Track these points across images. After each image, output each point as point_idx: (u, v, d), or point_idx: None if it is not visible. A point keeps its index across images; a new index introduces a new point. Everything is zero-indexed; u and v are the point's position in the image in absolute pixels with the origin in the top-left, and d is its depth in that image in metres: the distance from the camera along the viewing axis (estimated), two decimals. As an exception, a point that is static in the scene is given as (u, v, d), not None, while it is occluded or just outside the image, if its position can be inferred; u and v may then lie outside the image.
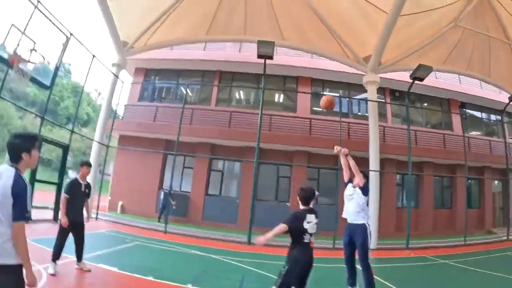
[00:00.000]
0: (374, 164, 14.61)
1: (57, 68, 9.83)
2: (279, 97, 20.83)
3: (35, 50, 8.82)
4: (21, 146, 2.70)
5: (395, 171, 18.29)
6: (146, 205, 18.52)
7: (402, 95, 19.08)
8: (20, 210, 2.56)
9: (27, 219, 2.65)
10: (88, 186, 6.62)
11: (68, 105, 59.63)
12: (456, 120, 21.21)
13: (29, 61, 8.50)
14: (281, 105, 20.58)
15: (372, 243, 13.05)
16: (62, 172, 14.60)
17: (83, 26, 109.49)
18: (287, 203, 17.56)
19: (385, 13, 13.25)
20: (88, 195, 6.63)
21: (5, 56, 8.24)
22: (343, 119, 16.02)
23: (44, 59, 8.89)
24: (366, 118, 16.49)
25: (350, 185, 6.17)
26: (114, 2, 14.90)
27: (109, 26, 15.75)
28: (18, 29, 8.46)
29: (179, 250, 10.29)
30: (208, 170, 19.14)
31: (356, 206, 5.96)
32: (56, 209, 12.96)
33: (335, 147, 6.19)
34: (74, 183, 6.40)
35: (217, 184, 19.17)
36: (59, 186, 13.56)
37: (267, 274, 7.51)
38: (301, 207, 4.83)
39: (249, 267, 8.09)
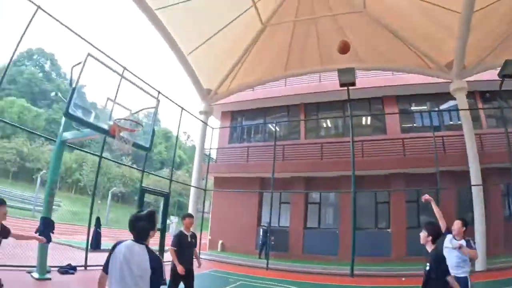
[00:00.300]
0: (475, 177, 13.88)
1: (153, 131, 10.71)
2: (366, 120, 20.64)
3: (132, 118, 9.69)
4: (148, 227, 3.18)
5: (498, 182, 16.25)
6: (246, 242, 19.19)
7: (493, 95, 17.48)
8: (158, 280, 3.02)
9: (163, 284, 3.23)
10: (193, 236, 6.85)
11: (161, 150, 64.16)
12: None
13: (128, 129, 9.26)
14: (370, 128, 20.33)
15: (481, 264, 12.41)
16: (165, 218, 15.79)
17: (169, 79, 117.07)
18: (388, 230, 17.13)
19: (457, 13, 12.71)
20: (194, 245, 6.86)
21: (106, 127, 8.99)
22: (436, 133, 15.49)
23: (142, 125, 9.69)
24: (459, 127, 15.51)
25: (449, 236, 5.74)
26: (192, 55, 16.12)
27: (191, 78, 17.30)
28: (112, 100, 9.46)
29: (283, 288, 10.51)
30: (305, 203, 19.36)
31: (458, 258, 5.57)
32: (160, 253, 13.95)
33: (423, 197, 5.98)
34: (180, 235, 6.72)
35: (315, 216, 19.26)
36: (162, 231, 14.63)
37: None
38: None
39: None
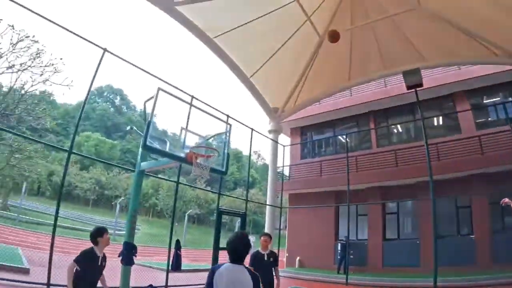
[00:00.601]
0: None
1: (228, 155, 11.20)
2: (438, 121, 19.93)
3: (206, 144, 10.20)
4: (246, 250, 3.66)
5: None
6: (324, 257, 19.27)
7: None
8: None
9: None
10: (271, 255, 6.95)
11: (233, 171, 65.89)
12: None
13: (204, 156, 9.74)
14: (443, 129, 19.45)
15: None
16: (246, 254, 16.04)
17: (236, 100, 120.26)
18: (471, 236, 16.21)
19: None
20: (273, 264, 6.89)
21: (182, 155, 9.54)
22: None
23: (218, 151, 10.13)
24: None
25: None
26: (255, 77, 16.69)
27: (257, 98, 17.88)
28: (185, 129, 10.05)
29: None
30: (383, 214, 19.13)
31: None
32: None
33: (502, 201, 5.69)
34: (256, 255, 6.91)
35: (393, 227, 18.96)
36: None
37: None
38: None
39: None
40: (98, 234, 5.56)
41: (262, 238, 7.07)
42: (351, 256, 17.11)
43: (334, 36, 6.24)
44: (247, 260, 5.11)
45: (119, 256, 9.11)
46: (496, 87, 17.85)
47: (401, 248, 17.83)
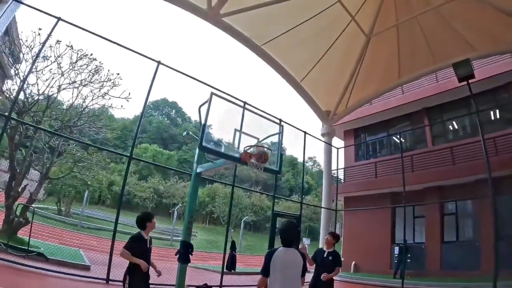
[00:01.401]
0: None
1: (281, 155, 11.38)
2: (495, 114, 18.76)
3: (259, 145, 10.42)
4: (296, 237, 4.93)
5: None
6: (380, 261, 18.94)
7: None
8: (305, 268, 4.45)
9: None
10: (332, 253, 6.98)
11: (289, 178, 66.18)
12: None
13: (257, 155, 9.95)
14: (501, 122, 18.16)
15: None
16: (298, 240, 16.15)
17: (289, 106, 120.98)
18: None
19: None
20: (331, 262, 6.85)
21: (237, 155, 9.80)
22: None
23: (271, 150, 10.30)
24: None
25: None
26: (305, 81, 16.78)
27: (309, 102, 18.08)
28: (239, 131, 10.33)
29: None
30: (441, 215, 18.44)
31: None
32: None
33: None
34: (319, 251, 7.19)
35: (452, 229, 18.15)
36: None
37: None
38: None
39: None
40: (147, 218, 6.19)
41: (327, 236, 7.27)
42: (408, 260, 16.67)
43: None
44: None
45: (176, 255, 9.46)
46: None
47: (460, 250, 17.02)
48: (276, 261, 4.07)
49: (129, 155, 10.48)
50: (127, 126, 65.60)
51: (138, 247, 5.66)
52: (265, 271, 4.08)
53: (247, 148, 9.90)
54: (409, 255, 16.85)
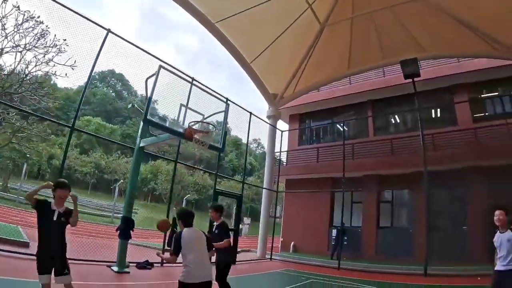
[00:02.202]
0: None
1: (225, 133, 11.39)
2: (436, 112, 19.87)
3: (204, 121, 10.35)
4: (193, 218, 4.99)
5: None
6: (318, 243, 19.48)
7: None
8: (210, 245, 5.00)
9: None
10: (218, 226, 6.98)
11: (232, 158, 66.09)
12: None
13: (202, 132, 9.85)
14: (440, 120, 19.29)
15: None
16: (238, 219, 16.39)
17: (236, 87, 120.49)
18: (464, 227, 16.14)
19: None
20: (223, 236, 6.88)
21: (181, 130, 9.78)
22: (510, 120, 14.95)
23: (215, 127, 10.30)
24: None
25: None
26: (256, 62, 16.72)
27: (257, 84, 17.91)
28: (184, 106, 10.24)
29: (354, 286, 10.77)
30: (377, 202, 19.23)
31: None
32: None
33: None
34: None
35: (388, 216, 18.98)
36: (236, 233, 15.49)
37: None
38: None
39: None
40: (56, 186, 4.91)
41: (210, 211, 7.27)
42: (345, 243, 17.28)
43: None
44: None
45: (116, 231, 9.44)
46: (495, 81, 17.64)
47: (394, 236, 17.91)
48: (185, 239, 4.57)
49: (71, 126, 9.95)
50: (70, 96, 62.46)
51: (42, 213, 4.81)
52: (177, 250, 4.54)
53: (192, 124, 9.88)
54: (346, 238, 17.43)
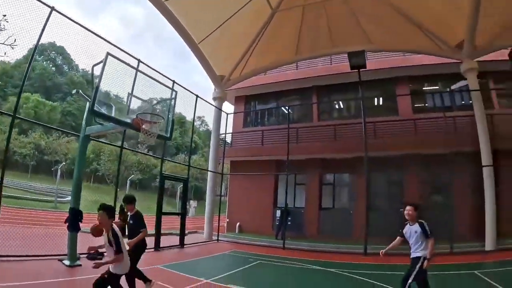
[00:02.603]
0: (486, 158, 14.23)
1: (173, 121, 11.28)
2: (379, 101, 20.80)
3: (153, 110, 10.20)
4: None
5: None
6: (263, 223, 19.84)
7: (506, 75, 16.33)
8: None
9: None
10: (133, 217, 6.99)
11: (176, 137, 64.70)
12: None
13: (150, 122, 9.72)
14: (382, 109, 20.33)
15: (490, 244, 13.23)
16: (184, 202, 16.41)
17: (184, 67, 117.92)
18: (401, 209, 16.90)
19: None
20: (138, 226, 6.89)
21: (129, 120, 9.61)
22: (448, 114, 15.83)
23: (163, 118, 10.15)
24: (471, 107, 15.52)
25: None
26: (204, 43, 16.56)
27: (204, 65, 17.71)
28: (131, 94, 10.07)
29: (299, 266, 11.13)
30: (320, 184, 19.82)
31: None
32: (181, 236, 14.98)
33: None
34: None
35: (329, 198, 19.70)
36: (182, 215, 15.55)
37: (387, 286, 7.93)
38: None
39: (368, 280, 8.38)
40: None
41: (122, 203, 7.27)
42: (289, 223, 17.73)
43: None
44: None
45: (65, 223, 9.13)
46: (437, 77, 19.00)
47: (336, 217, 18.63)
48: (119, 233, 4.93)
49: (12, 114, 9.39)
50: (7, 71, 58.89)
51: None
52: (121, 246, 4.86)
53: (139, 114, 9.71)
54: (289, 218, 17.88)
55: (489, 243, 13.44)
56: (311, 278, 9.60)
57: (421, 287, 5.88)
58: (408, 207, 6.29)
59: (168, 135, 11.39)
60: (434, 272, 9.63)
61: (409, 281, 5.82)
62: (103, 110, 9.27)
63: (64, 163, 38.82)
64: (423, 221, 6.07)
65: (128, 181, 39.31)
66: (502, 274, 9.62)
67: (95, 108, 8.76)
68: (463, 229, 15.12)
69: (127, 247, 5.03)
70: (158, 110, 11.28)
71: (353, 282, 8.89)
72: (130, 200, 7.05)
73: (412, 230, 6.13)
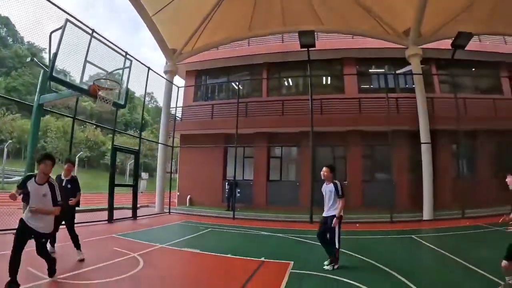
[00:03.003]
0: (424, 136, 15.43)
1: (127, 89, 11.29)
2: (327, 80, 21.47)
3: (109, 78, 10.19)
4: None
5: (447, 143, 17.77)
6: (213, 196, 20.11)
7: (449, 62, 17.69)
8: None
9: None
10: (70, 181, 7.14)
11: (124, 113, 63.07)
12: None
13: (107, 88, 9.70)
14: (329, 87, 21.19)
15: (428, 214, 14.57)
16: (136, 175, 16.38)
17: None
18: (345, 182, 17.95)
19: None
20: (75, 189, 7.18)
21: (85, 87, 9.59)
22: (390, 95, 16.65)
23: (120, 84, 10.13)
24: (414, 90, 16.67)
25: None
26: (157, 16, 16.49)
27: (156, 38, 17.65)
28: (90, 62, 9.97)
29: (249, 232, 11.58)
30: (267, 157, 20.26)
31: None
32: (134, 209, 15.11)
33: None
34: (58, 179, 6.93)
35: (277, 170, 20.24)
36: (134, 188, 15.71)
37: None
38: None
39: (314, 242, 8.57)
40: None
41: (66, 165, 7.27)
42: (238, 195, 18.17)
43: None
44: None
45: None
46: (383, 60, 20.21)
47: (283, 189, 19.35)
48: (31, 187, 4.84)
49: None
50: None
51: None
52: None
53: (97, 80, 9.70)
54: (238, 190, 18.29)
55: (426, 213, 14.74)
56: (261, 240, 10.12)
57: (333, 242, 6.43)
58: (324, 168, 6.75)
59: (123, 102, 11.45)
60: (376, 236, 10.58)
61: (337, 241, 6.40)
62: (62, 77, 9.25)
63: (10, 141, 37.18)
64: (337, 182, 6.60)
65: (76, 159, 38.33)
66: (435, 237, 10.68)
67: (54, 74, 8.72)
68: (403, 201, 16.48)
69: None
70: (115, 80, 11.30)
71: (301, 244, 9.38)
72: (72, 162, 7.38)
73: (327, 189, 6.65)
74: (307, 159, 16.88)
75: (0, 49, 65.48)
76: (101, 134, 53.75)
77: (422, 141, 15.34)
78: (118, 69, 11.80)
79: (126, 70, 12.10)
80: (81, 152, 44.15)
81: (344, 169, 18.70)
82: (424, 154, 15.17)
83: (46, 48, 9.35)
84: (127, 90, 11.54)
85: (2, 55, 63.79)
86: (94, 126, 49.10)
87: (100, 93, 9.48)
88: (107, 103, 9.64)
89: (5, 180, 30.72)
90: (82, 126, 52.39)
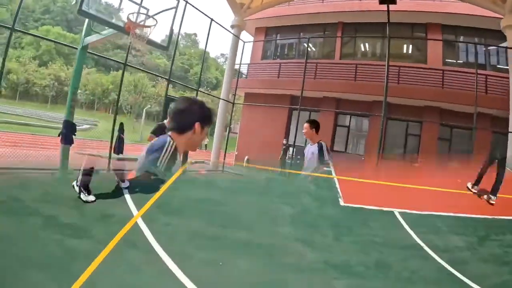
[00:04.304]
0: None
1: (172, 30, 10.63)
2: (407, 48, 19.25)
3: (149, 16, 9.38)
4: None
5: None
6: (271, 158, 18.80)
7: None
8: None
9: None
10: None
11: (197, 72, 64.10)
12: None
13: (144, 26, 9.22)
14: (410, 57, 18.90)
15: None
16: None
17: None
18: (416, 164, 16.02)
19: None
20: None
21: (121, 24, 9.10)
22: (480, 71, 14.12)
23: (157, 22, 9.43)
24: (506, 71, 13.75)
25: None
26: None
27: None
28: None
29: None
30: (334, 125, 18.91)
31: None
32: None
33: None
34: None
35: (343, 141, 18.91)
36: None
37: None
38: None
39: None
40: None
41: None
42: (298, 161, 16.89)
43: None
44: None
45: (58, 136, 9.08)
46: (473, 30, 17.09)
47: (346, 161, 17.63)
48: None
49: (11, 27, 8.86)
50: (28, 6, 58.07)
51: None
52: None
53: (131, 15, 8.97)
54: (298, 157, 17.10)
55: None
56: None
57: None
58: (304, 124, 5.76)
59: (166, 44, 11.00)
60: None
61: None
62: (93, 11, 8.58)
63: (81, 92, 38.48)
64: (323, 143, 5.58)
65: (144, 111, 38.93)
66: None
67: (83, 8, 8.02)
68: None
69: None
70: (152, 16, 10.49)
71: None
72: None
73: (309, 151, 5.64)
74: (376, 132, 15.00)
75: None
76: (172, 90, 54.43)
77: (510, 129, 12.49)
78: (164, 10, 10.82)
79: (174, 12, 11.13)
80: (149, 106, 45.09)
81: (417, 149, 16.82)
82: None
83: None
84: (172, 32, 10.80)
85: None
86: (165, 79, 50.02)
87: (136, 30, 8.94)
88: (141, 40, 9.10)
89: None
90: (154, 82, 53.47)
